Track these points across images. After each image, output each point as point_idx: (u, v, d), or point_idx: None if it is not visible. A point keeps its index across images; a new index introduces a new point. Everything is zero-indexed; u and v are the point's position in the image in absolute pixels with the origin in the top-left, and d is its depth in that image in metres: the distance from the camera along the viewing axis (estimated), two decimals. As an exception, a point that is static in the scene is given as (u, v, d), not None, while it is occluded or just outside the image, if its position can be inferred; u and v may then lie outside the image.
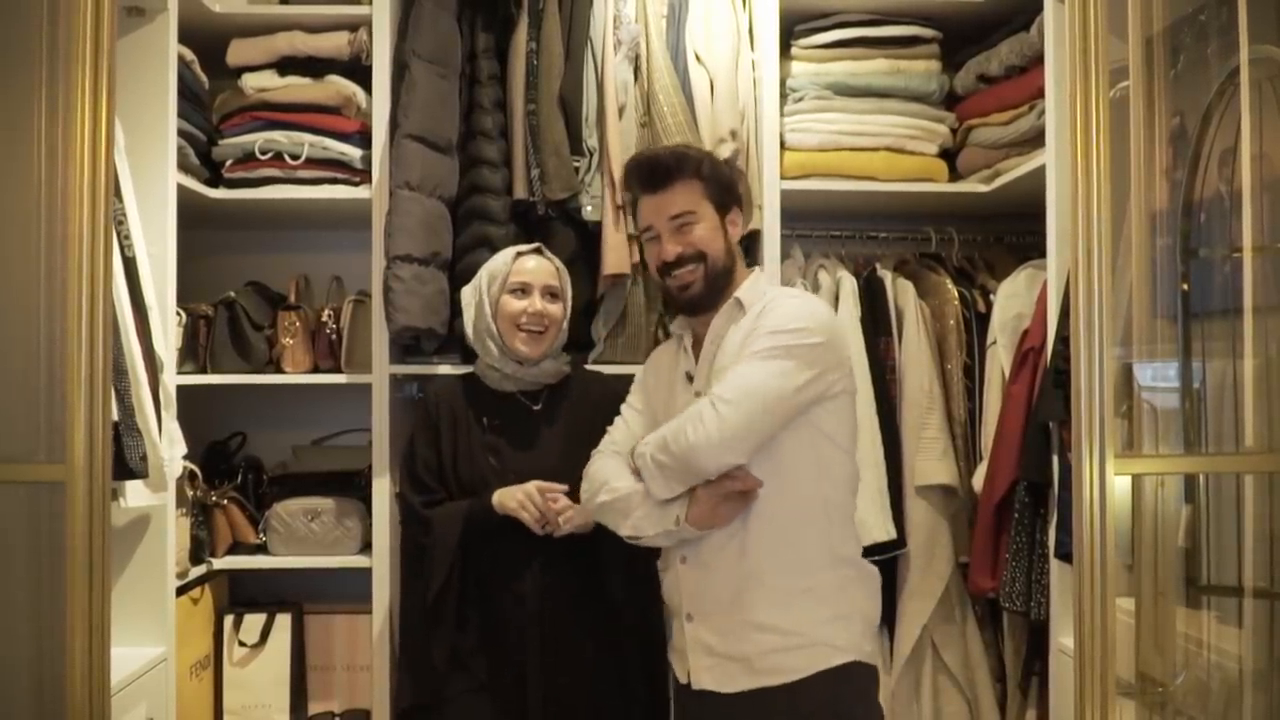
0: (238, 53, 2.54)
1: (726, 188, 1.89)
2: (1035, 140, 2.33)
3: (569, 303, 2.22)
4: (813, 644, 1.74)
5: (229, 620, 2.56)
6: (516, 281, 2.15)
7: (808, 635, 1.74)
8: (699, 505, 1.73)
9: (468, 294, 2.22)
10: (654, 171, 1.87)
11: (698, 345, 1.91)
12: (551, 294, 2.16)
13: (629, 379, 2.05)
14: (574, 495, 2.01)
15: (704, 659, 1.79)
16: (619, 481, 1.82)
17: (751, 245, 2.54)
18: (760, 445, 1.72)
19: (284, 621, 2.58)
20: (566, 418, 2.17)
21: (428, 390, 2.32)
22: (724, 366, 1.77)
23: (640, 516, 1.78)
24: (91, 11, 1.33)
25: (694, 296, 1.86)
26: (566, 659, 2.06)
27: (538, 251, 2.21)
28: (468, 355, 2.27)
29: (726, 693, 1.77)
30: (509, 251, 2.20)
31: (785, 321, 1.75)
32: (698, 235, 1.84)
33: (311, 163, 2.51)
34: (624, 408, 2.02)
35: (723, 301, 1.86)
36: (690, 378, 1.89)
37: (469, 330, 2.20)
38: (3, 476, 1.47)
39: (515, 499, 2.03)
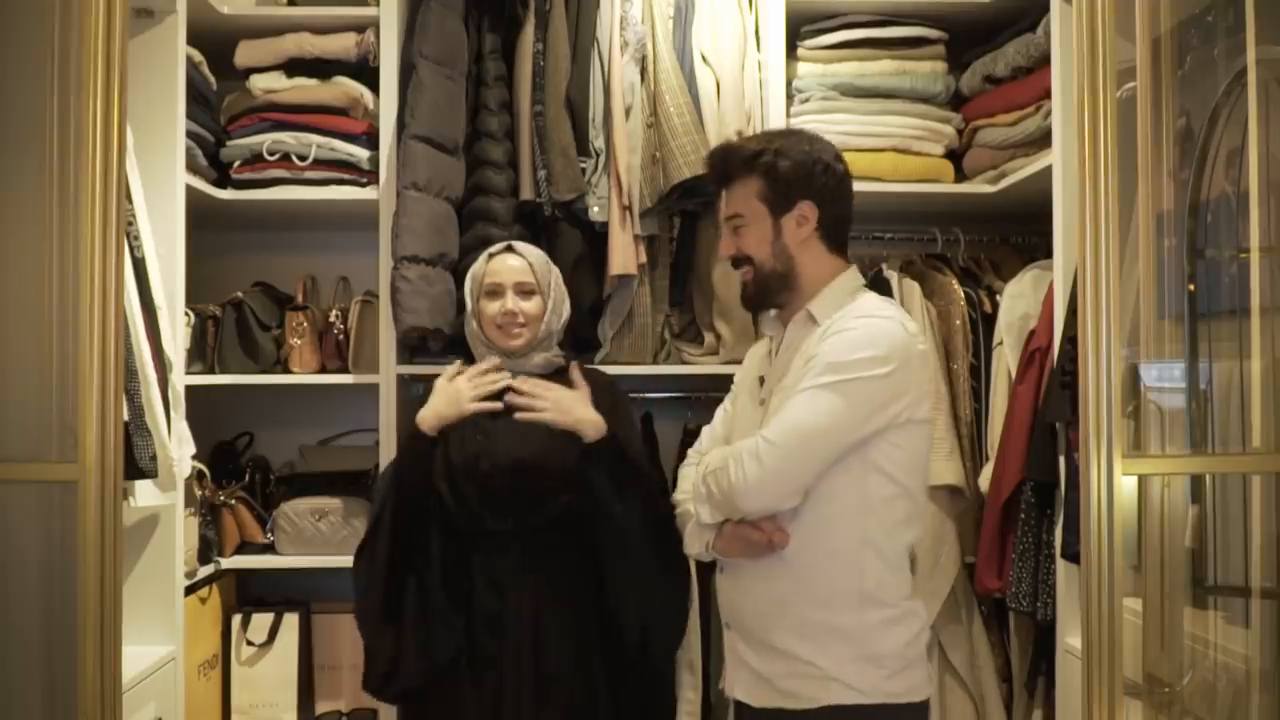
0: (246, 54, 2.54)
1: (790, 183, 1.76)
2: (1042, 141, 2.33)
3: (552, 295, 2.15)
4: (829, 679, 1.68)
5: (237, 620, 2.58)
6: (489, 283, 2.12)
7: (826, 670, 1.69)
8: (723, 540, 1.75)
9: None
10: (712, 170, 1.87)
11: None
12: (525, 291, 2.12)
13: (626, 379, 2.01)
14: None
15: (738, 670, 1.80)
16: (683, 494, 1.87)
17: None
18: (806, 488, 1.66)
19: (291, 621, 2.59)
20: None
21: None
22: (789, 388, 1.72)
23: (687, 534, 1.82)
24: (103, 14, 1.34)
25: (748, 296, 1.85)
26: (545, 651, 2.03)
27: (509, 250, 2.16)
28: (473, 356, 2.27)
29: (755, 706, 1.76)
30: (484, 254, 2.18)
31: (848, 350, 1.64)
32: (743, 240, 1.81)
33: (319, 164, 2.52)
34: (719, 409, 2.00)
35: (798, 303, 1.80)
36: (762, 381, 1.87)
37: (468, 335, 2.21)
38: (16, 475, 1.49)
39: (443, 401, 2.04)
